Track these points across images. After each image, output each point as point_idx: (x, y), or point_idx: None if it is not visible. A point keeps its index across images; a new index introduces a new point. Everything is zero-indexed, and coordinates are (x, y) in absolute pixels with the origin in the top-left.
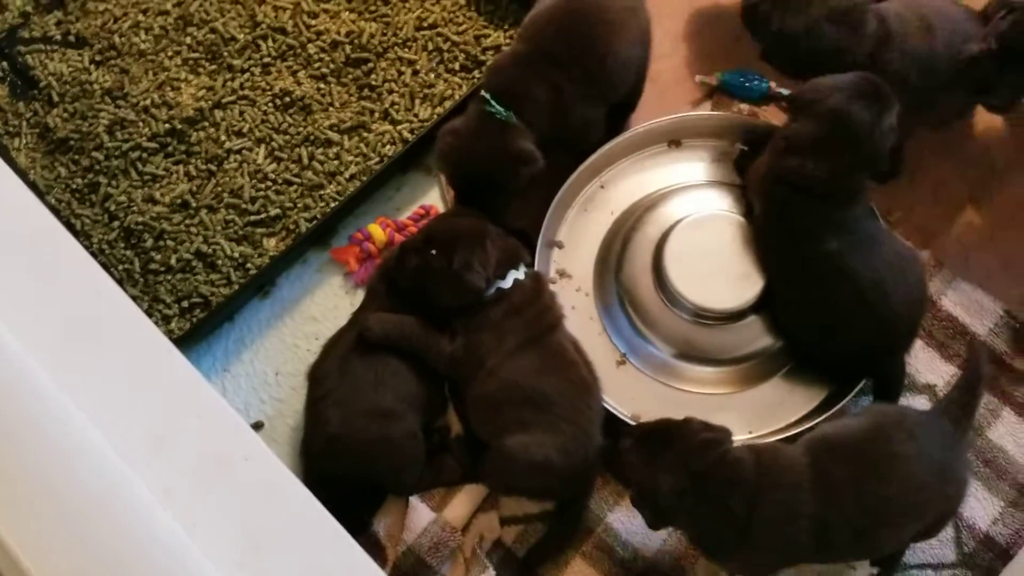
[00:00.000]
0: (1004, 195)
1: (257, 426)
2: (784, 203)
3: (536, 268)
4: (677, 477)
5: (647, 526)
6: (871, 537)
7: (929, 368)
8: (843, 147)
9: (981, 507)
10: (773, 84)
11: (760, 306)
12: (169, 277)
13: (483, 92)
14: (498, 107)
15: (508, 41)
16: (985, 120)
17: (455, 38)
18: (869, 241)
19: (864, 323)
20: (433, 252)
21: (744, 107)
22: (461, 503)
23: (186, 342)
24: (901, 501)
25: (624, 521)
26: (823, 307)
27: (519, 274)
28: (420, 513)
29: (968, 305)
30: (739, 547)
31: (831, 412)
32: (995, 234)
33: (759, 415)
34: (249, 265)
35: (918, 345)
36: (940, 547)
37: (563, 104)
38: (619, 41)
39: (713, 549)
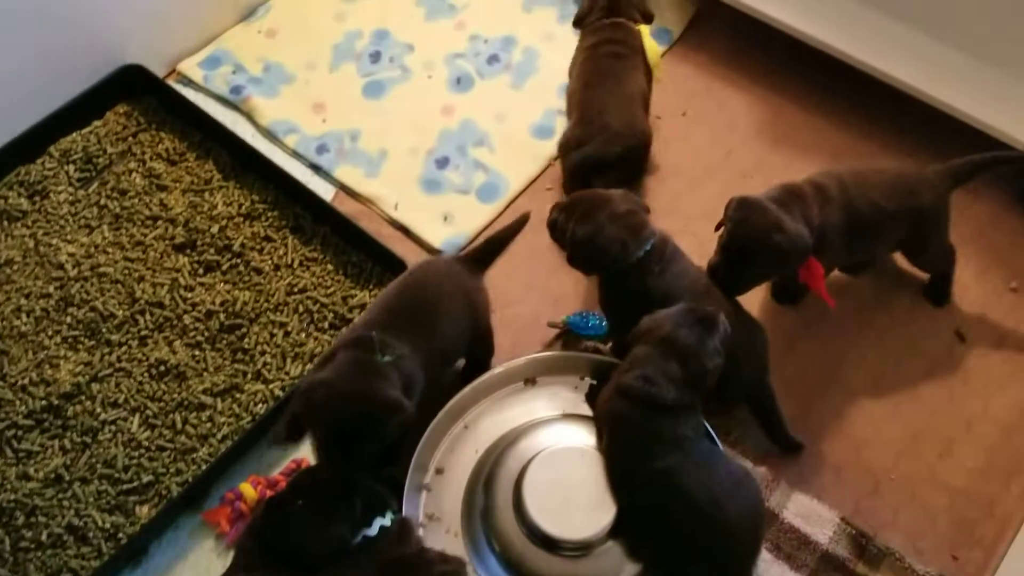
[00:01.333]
0: (825, 408)
1: None
2: (625, 419)
3: (405, 513)
4: None
5: None
6: None
7: None
8: (678, 362)
9: None
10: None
11: (617, 532)
12: (39, 553)
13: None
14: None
15: (373, 298)
16: (804, 346)
17: (324, 300)
18: (704, 461)
19: (705, 542)
20: (300, 503)
21: (590, 344)
22: None
23: None
24: None
25: None
26: (666, 527)
27: (385, 521)
28: None
29: (808, 516)
30: None
31: None
32: (823, 447)
33: None
34: (120, 535)
35: (768, 558)
36: None
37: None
38: (447, 312)
39: None
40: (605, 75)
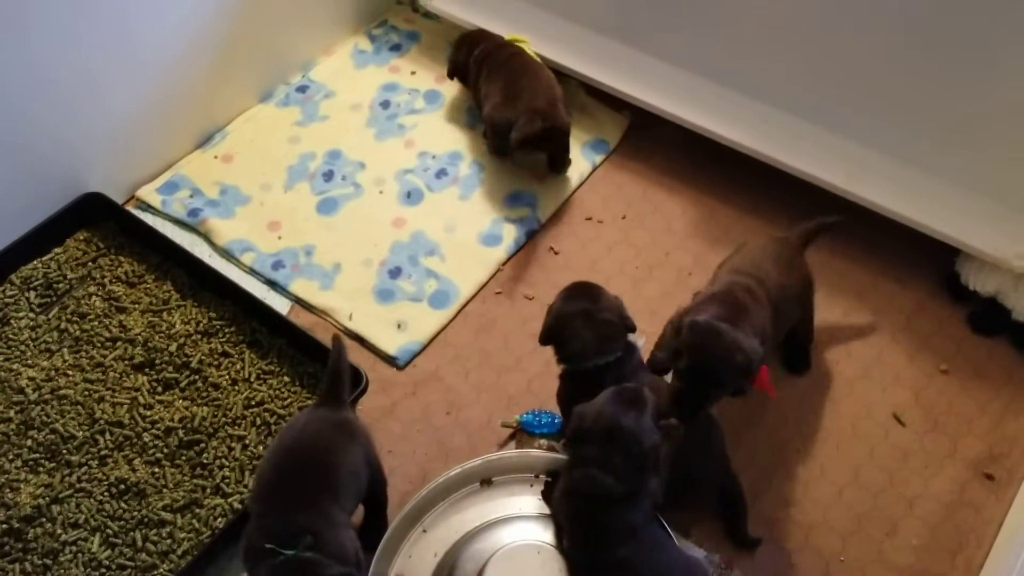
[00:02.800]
0: (774, 495)
1: None
2: (578, 516)
3: None
4: None
5: None
6: None
7: None
8: (617, 450)
9: None
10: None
11: None
12: None
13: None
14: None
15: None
16: (751, 435)
17: (281, 411)
18: (657, 547)
19: None
20: None
21: (543, 442)
22: None
23: None
24: None
25: None
26: None
27: None
28: None
29: None
30: None
31: None
32: (774, 533)
33: None
34: None
35: None
36: None
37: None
38: (339, 454)
39: None
40: (519, 72)
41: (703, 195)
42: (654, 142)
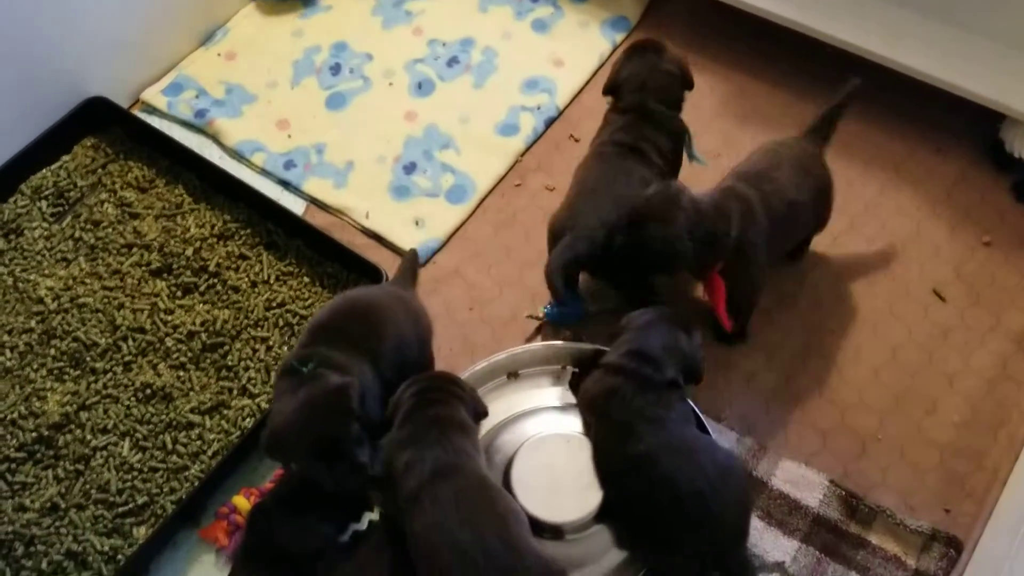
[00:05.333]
0: (808, 376)
1: None
2: (610, 396)
3: None
4: None
5: None
6: None
7: (775, 546)
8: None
9: None
10: (588, 305)
11: (604, 517)
12: None
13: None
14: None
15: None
16: (782, 318)
17: (303, 312)
18: (689, 449)
19: (689, 532)
20: (282, 508)
21: (569, 332)
22: None
23: None
24: None
25: None
26: (650, 516)
27: (375, 516)
28: None
29: (796, 481)
30: None
31: None
32: (808, 414)
33: None
34: (120, 557)
35: (760, 526)
36: None
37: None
38: (390, 324)
39: None
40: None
41: (731, 71)
42: (677, 16)
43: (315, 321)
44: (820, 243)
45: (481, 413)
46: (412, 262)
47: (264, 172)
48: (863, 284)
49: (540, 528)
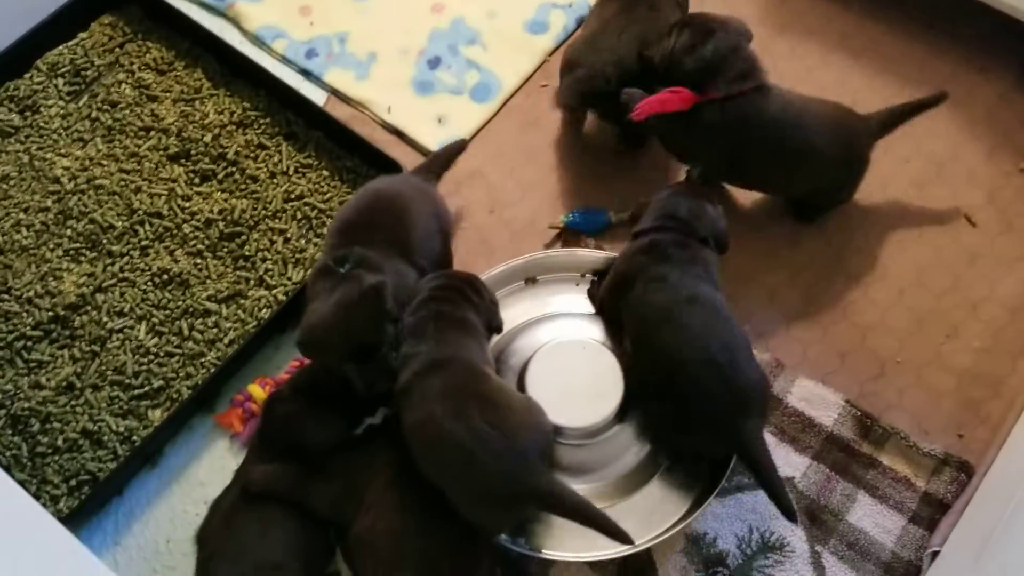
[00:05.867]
0: (830, 296)
1: None
2: (636, 259)
3: None
4: None
5: None
6: None
7: (785, 462)
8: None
9: None
10: (611, 214)
11: (622, 418)
12: (56, 458)
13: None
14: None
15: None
16: (809, 234)
17: (321, 206)
18: (716, 310)
19: (710, 395)
20: (299, 399)
21: (591, 241)
22: None
23: (76, 520)
24: None
25: None
26: (674, 377)
27: (389, 411)
28: None
29: (812, 399)
30: None
31: (706, 504)
32: (828, 334)
33: (639, 522)
34: (135, 438)
35: (772, 441)
36: None
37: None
38: (416, 215)
39: None
40: None
41: None
42: None
43: (343, 219)
44: None
45: (494, 326)
46: (453, 154)
47: (285, 60)
48: (893, 205)
49: (556, 433)
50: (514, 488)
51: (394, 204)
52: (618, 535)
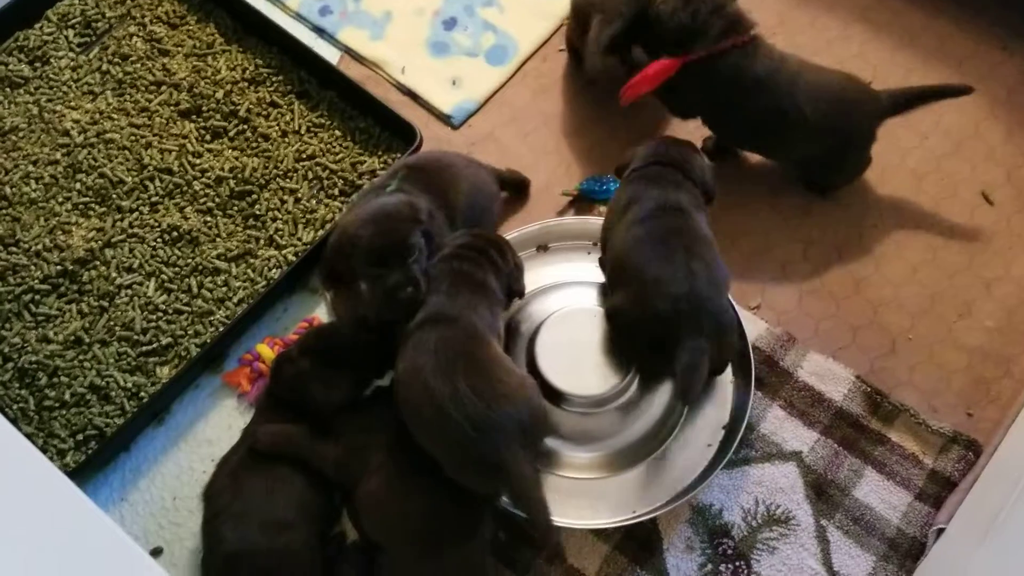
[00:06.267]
0: (844, 270)
1: (156, 552)
2: (650, 179)
3: None
4: None
5: None
6: None
7: (794, 436)
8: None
9: (855, 563)
10: None
11: (630, 387)
12: (64, 412)
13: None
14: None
15: (382, 166)
16: (823, 207)
17: (333, 166)
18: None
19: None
20: (307, 359)
21: (603, 209)
22: None
23: (82, 474)
24: None
25: None
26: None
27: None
28: None
29: (822, 374)
30: None
31: (704, 484)
32: (840, 305)
33: (645, 492)
34: (143, 394)
35: (781, 415)
36: None
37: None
38: (465, 184)
39: None
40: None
41: None
42: None
43: (400, 164)
44: None
45: (515, 290)
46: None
47: (298, 17)
48: (910, 180)
49: (565, 401)
50: (480, 456)
51: (447, 169)
52: (542, 538)
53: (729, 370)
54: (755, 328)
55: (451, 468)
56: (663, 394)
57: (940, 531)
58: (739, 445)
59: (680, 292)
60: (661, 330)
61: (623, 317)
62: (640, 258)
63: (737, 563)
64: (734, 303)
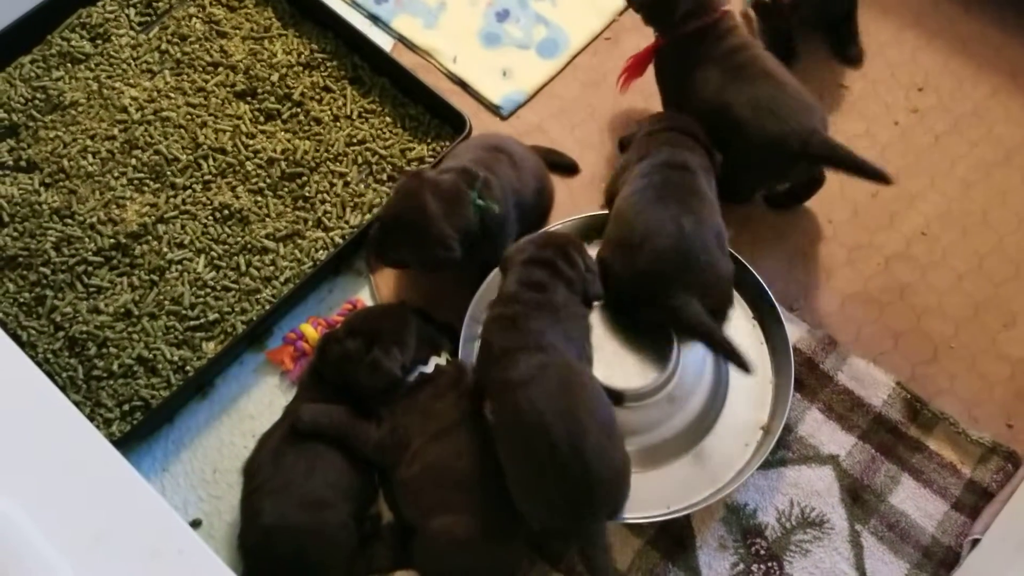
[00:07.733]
0: (888, 276)
1: (195, 523)
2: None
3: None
4: None
5: None
6: None
7: (832, 439)
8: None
9: (888, 570)
10: None
11: (670, 382)
12: (111, 382)
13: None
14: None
15: (431, 154)
16: (869, 212)
17: (383, 152)
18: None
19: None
20: (353, 340)
21: None
22: None
23: (127, 444)
24: None
25: None
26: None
27: (441, 361)
28: None
29: (862, 379)
30: None
31: (740, 483)
32: (883, 310)
33: (680, 488)
34: (188, 368)
35: (819, 418)
36: None
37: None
38: (523, 163)
39: None
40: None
41: None
42: None
43: (469, 148)
44: (918, 141)
45: (591, 295)
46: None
47: (354, 3)
48: (959, 187)
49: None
50: (578, 524)
51: (507, 148)
52: None
53: (769, 370)
54: (796, 330)
55: (536, 517)
56: (702, 390)
57: (975, 542)
58: (776, 446)
59: (664, 247)
60: (645, 284)
61: (609, 268)
62: (632, 209)
63: (769, 564)
64: (743, 262)
